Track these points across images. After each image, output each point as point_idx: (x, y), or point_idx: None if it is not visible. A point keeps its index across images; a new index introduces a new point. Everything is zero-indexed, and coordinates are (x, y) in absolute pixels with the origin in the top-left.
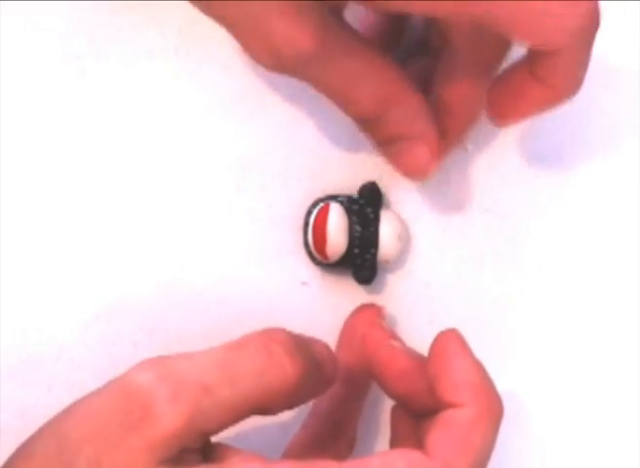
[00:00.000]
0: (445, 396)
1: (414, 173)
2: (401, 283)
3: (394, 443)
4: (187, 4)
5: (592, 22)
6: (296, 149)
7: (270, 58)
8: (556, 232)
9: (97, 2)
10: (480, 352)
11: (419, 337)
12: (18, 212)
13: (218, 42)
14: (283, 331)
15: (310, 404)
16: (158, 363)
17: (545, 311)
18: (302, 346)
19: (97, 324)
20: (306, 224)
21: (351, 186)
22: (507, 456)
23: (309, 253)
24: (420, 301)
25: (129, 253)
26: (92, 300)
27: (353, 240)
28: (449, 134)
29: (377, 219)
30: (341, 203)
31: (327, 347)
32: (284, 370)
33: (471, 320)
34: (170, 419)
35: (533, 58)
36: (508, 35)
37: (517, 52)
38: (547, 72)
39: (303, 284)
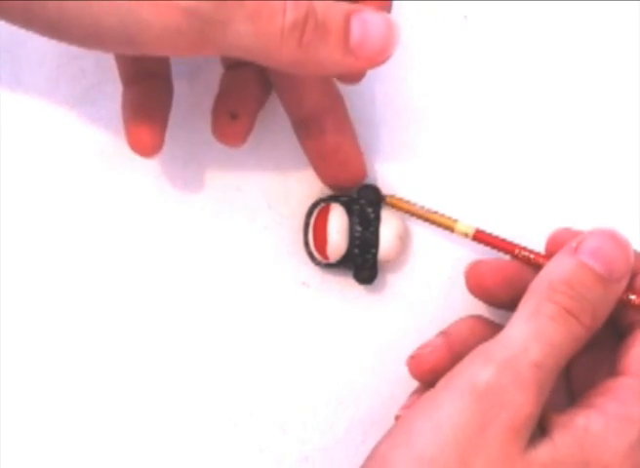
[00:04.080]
0: None
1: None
2: (401, 283)
3: None
4: None
5: None
6: (296, 149)
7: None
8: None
9: None
10: None
11: (419, 337)
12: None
13: None
14: None
15: None
16: (487, 352)
17: None
18: None
19: None
20: (307, 225)
21: None
22: None
23: (310, 254)
24: (420, 301)
25: (129, 252)
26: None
27: (354, 240)
28: None
29: (377, 220)
30: (342, 203)
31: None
32: None
33: None
34: (523, 404)
35: None
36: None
37: None
38: None
39: (303, 284)
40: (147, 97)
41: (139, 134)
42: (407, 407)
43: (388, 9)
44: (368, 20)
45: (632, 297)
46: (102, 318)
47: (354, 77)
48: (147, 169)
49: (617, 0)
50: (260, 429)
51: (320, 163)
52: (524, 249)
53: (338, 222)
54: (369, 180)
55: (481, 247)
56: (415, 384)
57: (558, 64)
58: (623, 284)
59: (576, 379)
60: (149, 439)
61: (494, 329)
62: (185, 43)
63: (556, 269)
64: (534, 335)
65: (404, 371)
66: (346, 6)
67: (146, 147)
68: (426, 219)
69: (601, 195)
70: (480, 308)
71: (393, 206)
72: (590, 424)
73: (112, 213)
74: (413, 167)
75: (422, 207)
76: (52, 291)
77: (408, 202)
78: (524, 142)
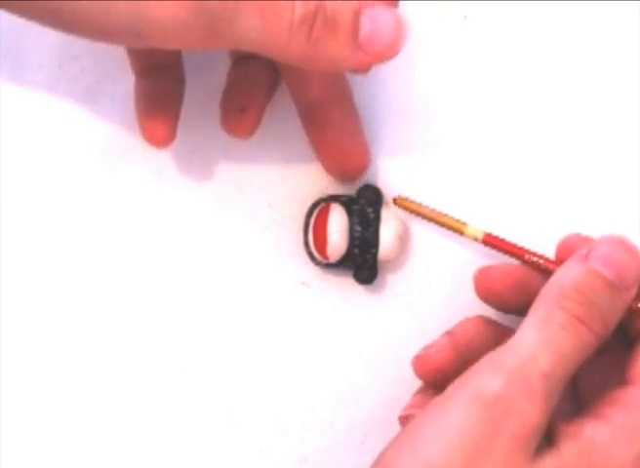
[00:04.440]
0: None
1: None
2: (401, 283)
3: None
4: None
5: None
6: (296, 149)
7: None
8: (557, 233)
9: None
10: None
11: (419, 338)
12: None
13: None
14: None
15: None
16: (496, 360)
17: None
18: None
19: None
20: (307, 225)
21: (351, 186)
22: None
23: (310, 254)
24: (420, 301)
25: (129, 252)
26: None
27: (354, 240)
28: None
29: (377, 220)
30: (342, 203)
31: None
32: None
33: None
34: (531, 414)
35: None
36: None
37: None
38: None
39: (303, 284)
40: (159, 89)
41: (151, 125)
42: (410, 406)
43: (396, 4)
44: (377, 16)
45: None
46: (101, 318)
47: (362, 70)
48: (148, 169)
49: (617, 0)
50: (260, 429)
51: (324, 151)
52: (534, 254)
53: (338, 222)
54: (369, 180)
55: (482, 248)
56: (416, 385)
57: (558, 64)
58: (633, 291)
59: (583, 387)
60: (149, 439)
61: (499, 329)
62: (194, 37)
63: (567, 276)
64: (544, 344)
65: (404, 372)
66: (355, 2)
67: (159, 139)
68: (435, 222)
69: (612, 200)
70: (480, 308)
71: (401, 207)
72: (597, 435)
73: (112, 212)
74: (412, 167)
75: (431, 208)
76: (51, 287)
77: (417, 203)
78: (524, 142)
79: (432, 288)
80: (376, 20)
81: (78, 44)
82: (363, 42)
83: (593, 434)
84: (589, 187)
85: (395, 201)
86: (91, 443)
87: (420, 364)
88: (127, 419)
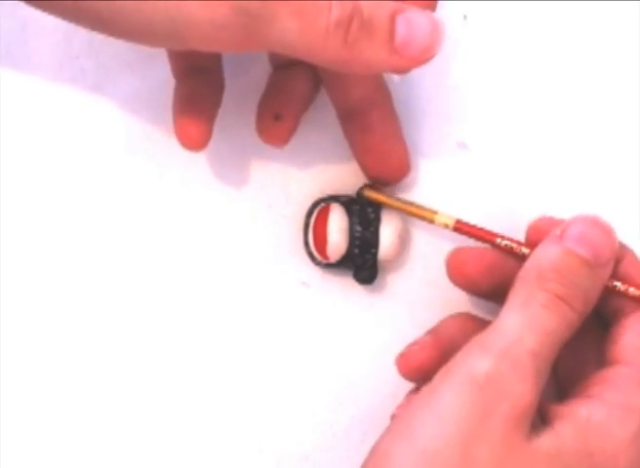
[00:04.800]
0: None
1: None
2: (401, 283)
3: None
4: None
5: None
6: (296, 149)
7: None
8: None
9: None
10: None
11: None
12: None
13: None
14: None
15: None
16: (483, 343)
17: None
18: None
19: None
20: (307, 225)
21: (351, 186)
22: None
23: (310, 254)
24: (420, 301)
25: (128, 253)
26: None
27: (354, 240)
28: None
29: (377, 220)
30: (342, 203)
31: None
32: None
33: None
34: (524, 393)
35: None
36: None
37: None
38: None
39: (303, 284)
40: (197, 91)
41: (186, 127)
42: (403, 406)
43: (433, 8)
44: (413, 20)
45: (617, 284)
46: (100, 319)
47: (400, 71)
48: (148, 169)
49: (617, 0)
50: (260, 429)
51: (365, 155)
52: (505, 238)
53: (338, 222)
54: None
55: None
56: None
57: (558, 65)
58: (609, 269)
59: (562, 371)
60: (149, 439)
61: (482, 325)
62: (232, 39)
63: (543, 257)
64: (528, 324)
65: None
66: (392, 5)
67: (193, 141)
68: (405, 211)
69: (611, 200)
70: (479, 307)
71: (369, 197)
72: (592, 414)
73: (112, 212)
74: (412, 167)
75: (400, 198)
76: (50, 287)
77: (386, 193)
78: (523, 141)
79: (432, 288)
80: (412, 24)
81: (78, 44)
82: (399, 45)
83: (589, 414)
84: (589, 186)
85: (364, 192)
86: (89, 442)
87: (403, 362)
88: (126, 419)
